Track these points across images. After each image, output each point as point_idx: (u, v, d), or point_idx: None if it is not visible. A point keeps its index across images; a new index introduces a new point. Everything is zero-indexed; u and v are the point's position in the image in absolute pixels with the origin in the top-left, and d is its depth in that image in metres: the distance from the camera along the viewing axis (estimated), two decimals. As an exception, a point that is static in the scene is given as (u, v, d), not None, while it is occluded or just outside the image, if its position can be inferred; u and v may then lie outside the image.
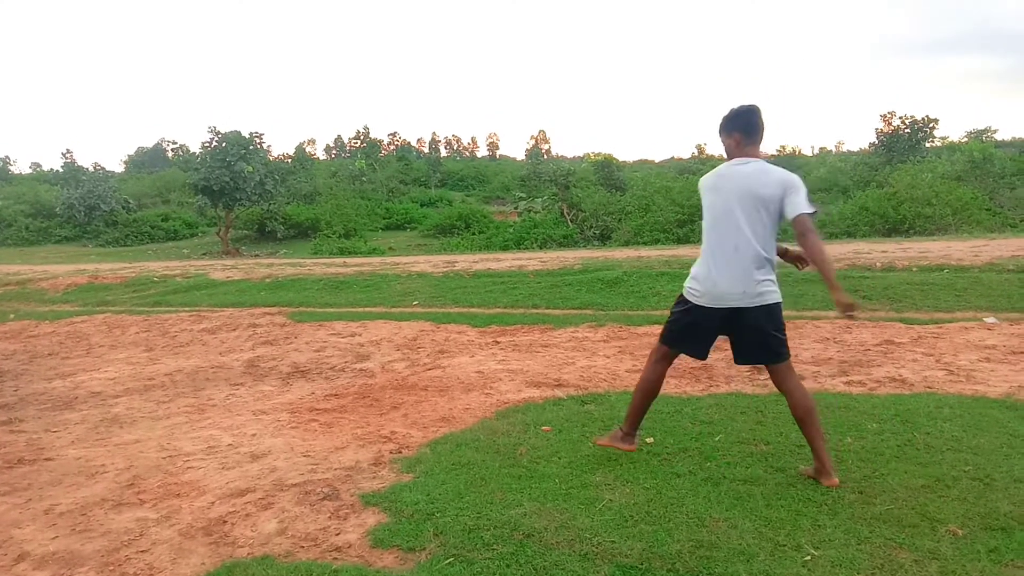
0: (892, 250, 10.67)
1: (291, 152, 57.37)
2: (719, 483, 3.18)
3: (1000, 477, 3.08)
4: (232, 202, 27.68)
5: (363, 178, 43.68)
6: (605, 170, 31.83)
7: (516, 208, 30.82)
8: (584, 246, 20.82)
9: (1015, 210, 22.25)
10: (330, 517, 3.07)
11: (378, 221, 34.19)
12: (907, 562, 2.48)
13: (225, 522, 3.08)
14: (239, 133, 28.59)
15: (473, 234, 26.84)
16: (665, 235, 19.68)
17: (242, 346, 7.52)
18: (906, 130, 35.83)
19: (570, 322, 7.65)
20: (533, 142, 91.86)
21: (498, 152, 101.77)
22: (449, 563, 2.62)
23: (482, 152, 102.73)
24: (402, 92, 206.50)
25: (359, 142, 76.91)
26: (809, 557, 2.54)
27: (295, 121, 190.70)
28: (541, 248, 20.89)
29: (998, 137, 48.47)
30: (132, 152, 73.63)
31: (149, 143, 77.77)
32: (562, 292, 9.38)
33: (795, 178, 3.04)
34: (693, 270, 3.22)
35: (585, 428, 4.03)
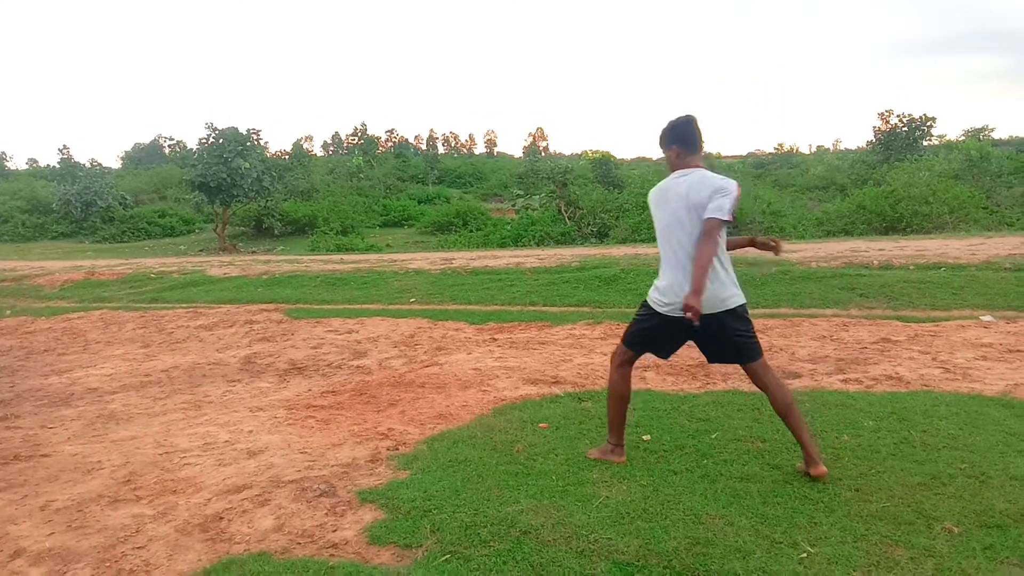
0: (889, 248, 10.68)
1: (288, 149, 57.23)
2: (715, 480, 3.18)
3: (996, 475, 3.09)
4: (229, 198, 27.64)
5: (360, 175, 43.60)
6: (603, 167, 31.77)
7: (514, 205, 30.76)
8: (582, 243, 20.82)
9: (1012, 208, 22.31)
10: (327, 514, 3.07)
11: (375, 218, 34.15)
12: (903, 559, 2.48)
13: (222, 518, 3.07)
14: (236, 129, 28.53)
15: (471, 231, 26.81)
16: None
17: (239, 343, 7.51)
18: (904, 128, 35.93)
19: (567, 319, 7.65)
20: (531, 139, 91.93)
21: (496, 149, 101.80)
22: (446, 560, 2.62)
23: (480, 149, 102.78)
24: (400, 89, 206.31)
25: (356, 139, 76.83)
26: (805, 554, 2.54)
27: (292, 118, 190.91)
28: (539, 245, 20.88)
29: (995, 136, 48.52)
30: (129, 148, 73.36)
31: (146, 139, 77.40)
32: (559, 289, 9.39)
33: (730, 184, 3.09)
34: (657, 282, 3.27)
35: (582, 425, 4.03)
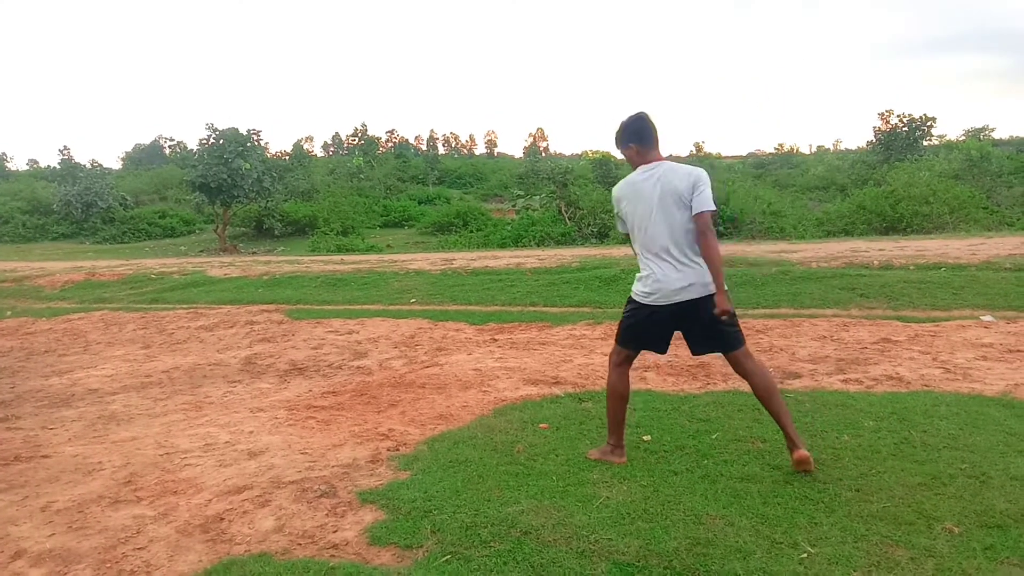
0: (889, 248, 10.69)
1: (289, 149, 57.24)
2: (716, 481, 3.18)
3: (996, 475, 3.09)
4: (229, 199, 27.61)
5: (361, 175, 43.58)
6: (603, 168, 31.76)
7: (514, 206, 30.72)
8: (582, 244, 20.80)
9: (1012, 208, 22.29)
10: (327, 514, 3.07)
11: (376, 218, 34.11)
12: (903, 559, 2.48)
13: (222, 519, 3.07)
14: (237, 130, 28.49)
15: (471, 232, 26.78)
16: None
17: (239, 343, 7.52)
18: (904, 128, 35.92)
19: (568, 320, 7.65)
20: (531, 140, 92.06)
21: (496, 150, 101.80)
22: (446, 560, 2.62)
23: (480, 150, 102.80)
24: (400, 89, 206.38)
25: (357, 139, 76.86)
26: (806, 554, 2.54)
27: (293, 118, 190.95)
28: (539, 246, 20.87)
29: (996, 136, 48.54)
30: (129, 149, 73.40)
31: (146, 140, 77.46)
32: (560, 290, 9.39)
33: (702, 173, 3.22)
34: (638, 275, 3.34)
35: (583, 426, 4.03)
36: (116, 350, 7.55)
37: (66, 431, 4.63)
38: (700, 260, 3.20)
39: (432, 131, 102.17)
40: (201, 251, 26.91)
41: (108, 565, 2.73)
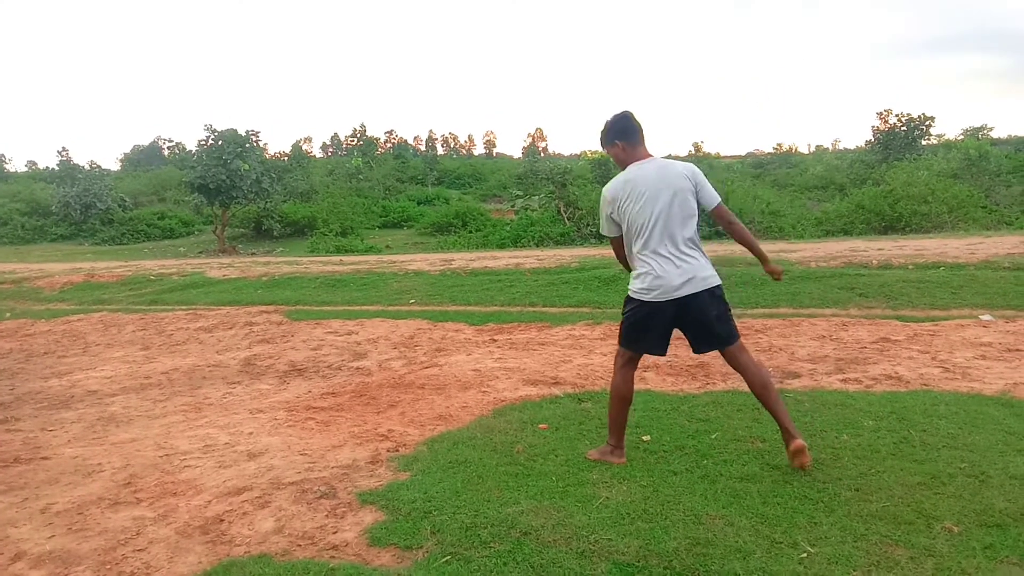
0: (888, 248, 10.70)
1: (287, 150, 57.20)
2: (715, 481, 3.19)
3: (995, 474, 3.09)
4: (228, 200, 27.59)
5: (360, 176, 43.54)
6: (602, 168, 31.74)
7: (513, 206, 30.70)
8: (581, 244, 20.81)
9: (1011, 207, 22.31)
10: (327, 515, 3.07)
11: (375, 219, 34.08)
12: (903, 559, 2.49)
13: (222, 520, 3.07)
14: (235, 131, 28.48)
15: (470, 232, 26.76)
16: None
17: (239, 344, 7.52)
18: (902, 128, 35.89)
19: (567, 320, 7.66)
20: (530, 140, 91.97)
21: (495, 150, 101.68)
22: (446, 561, 2.62)
23: (479, 150, 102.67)
24: (399, 90, 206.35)
25: (356, 140, 76.72)
26: (805, 554, 2.54)
27: (291, 119, 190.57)
28: (538, 246, 20.87)
29: (994, 135, 48.47)
30: (128, 150, 73.30)
31: (145, 141, 77.31)
32: (559, 290, 9.39)
33: (695, 167, 3.32)
34: (635, 274, 3.35)
35: (582, 426, 4.03)
36: (115, 352, 7.54)
37: (66, 433, 4.63)
38: (697, 254, 3.24)
39: (431, 131, 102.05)
40: (200, 252, 26.89)
41: (108, 567, 2.73)
